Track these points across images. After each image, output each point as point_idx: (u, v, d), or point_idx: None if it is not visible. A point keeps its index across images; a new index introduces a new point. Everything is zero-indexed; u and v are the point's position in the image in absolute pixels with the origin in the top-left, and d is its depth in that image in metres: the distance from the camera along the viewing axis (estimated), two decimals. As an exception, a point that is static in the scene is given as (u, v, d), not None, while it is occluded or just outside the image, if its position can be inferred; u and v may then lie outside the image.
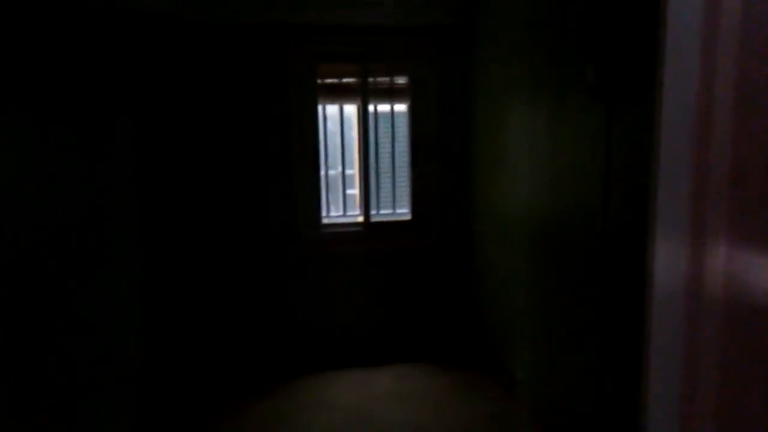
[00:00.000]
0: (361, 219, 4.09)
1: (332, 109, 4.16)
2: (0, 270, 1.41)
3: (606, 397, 2.76)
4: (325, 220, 4.03)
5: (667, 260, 1.21)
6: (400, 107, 4.21)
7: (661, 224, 1.20)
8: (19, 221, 1.59)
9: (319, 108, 3.92)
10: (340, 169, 4.60)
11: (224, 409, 3.38)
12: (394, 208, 4.30)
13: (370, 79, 3.94)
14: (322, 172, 4.00)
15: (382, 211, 4.24)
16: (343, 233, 4.04)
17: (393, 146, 4.34)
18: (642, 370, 1.25)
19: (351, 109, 4.28)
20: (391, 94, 4.06)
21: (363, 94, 3.93)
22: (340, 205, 4.48)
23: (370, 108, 4.01)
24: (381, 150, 4.17)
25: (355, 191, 4.34)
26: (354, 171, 4.37)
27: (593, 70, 2.46)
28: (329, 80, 3.93)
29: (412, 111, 4.04)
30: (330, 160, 4.18)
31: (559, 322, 3.13)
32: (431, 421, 3.22)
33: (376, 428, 3.16)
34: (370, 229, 4.07)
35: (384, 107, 4.14)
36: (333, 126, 4.20)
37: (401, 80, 4.02)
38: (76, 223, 2.14)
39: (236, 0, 3.57)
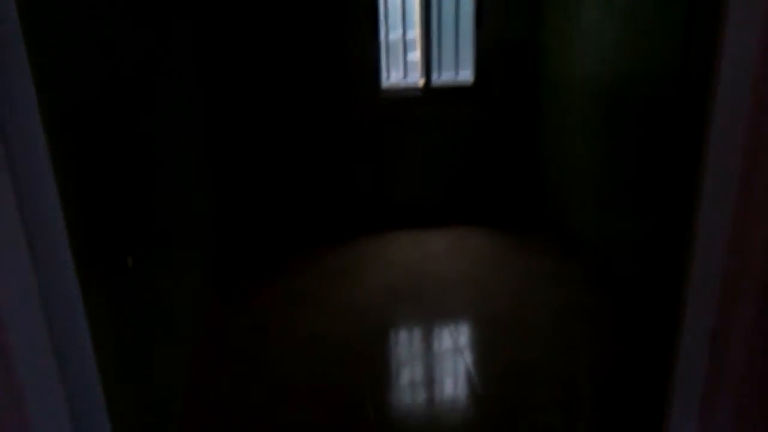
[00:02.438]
0: (421, 83, 4.03)
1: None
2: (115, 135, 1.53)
3: (660, 260, 2.80)
4: (385, 84, 4.00)
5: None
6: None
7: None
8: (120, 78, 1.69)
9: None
10: (400, 32, 4.45)
11: (288, 264, 3.66)
12: (456, 70, 4.18)
13: (432, -70, 3.68)
14: (382, 35, 3.90)
15: (444, 74, 4.14)
16: (403, 97, 4.02)
17: (457, 5, 4.13)
18: (694, 232, 1.26)
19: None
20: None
21: (424, -53, 3.70)
22: (401, 70, 4.40)
23: (432, -37, 3.78)
24: (444, 9, 3.99)
25: (416, 55, 4.22)
26: (415, 34, 4.22)
27: None
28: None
29: (477, -35, 3.78)
30: (390, 22, 4.05)
31: (622, 186, 3.11)
32: (486, 278, 3.38)
33: (433, 283, 3.36)
34: (430, 93, 4.02)
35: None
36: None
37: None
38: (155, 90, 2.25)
39: None
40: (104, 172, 1.60)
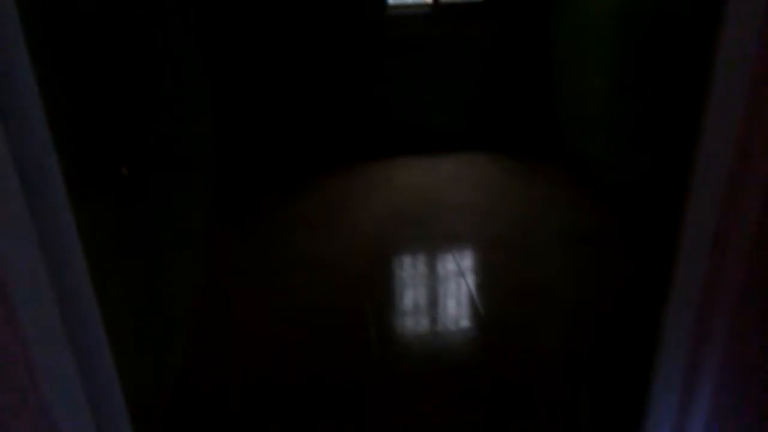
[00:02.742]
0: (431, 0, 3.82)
1: None
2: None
3: (669, 186, 2.70)
4: (392, 1, 3.79)
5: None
6: None
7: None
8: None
9: None
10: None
11: (292, 189, 3.61)
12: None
13: None
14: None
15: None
16: (411, 15, 3.82)
17: None
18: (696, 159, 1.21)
19: None
20: None
21: None
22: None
23: None
24: None
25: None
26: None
27: None
28: None
29: None
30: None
31: (634, 114, 2.97)
32: (494, 204, 3.31)
33: (440, 208, 3.30)
34: (440, 10, 3.81)
35: None
36: None
37: None
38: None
39: None
40: (99, 82, 1.53)
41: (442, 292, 2.65)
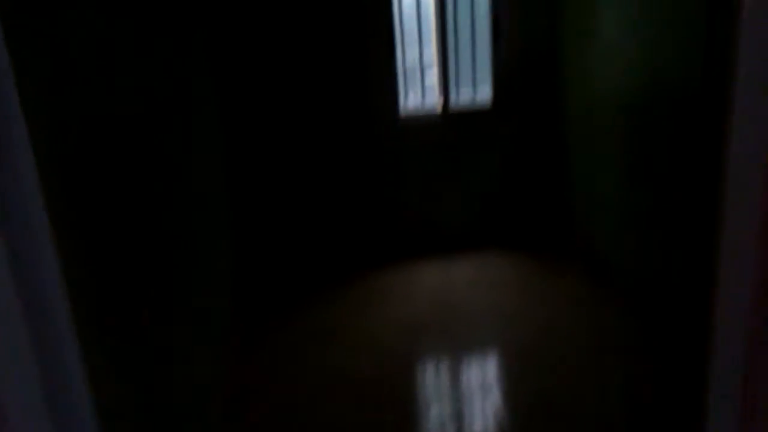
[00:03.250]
0: (439, 107, 3.95)
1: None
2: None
3: (691, 284, 2.66)
4: (403, 111, 3.92)
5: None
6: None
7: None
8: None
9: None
10: (417, 52, 4.38)
11: (309, 297, 3.62)
12: (474, 87, 4.09)
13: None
14: (399, 59, 3.83)
15: (462, 91, 4.05)
16: (422, 123, 3.95)
17: (473, 19, 4.04)
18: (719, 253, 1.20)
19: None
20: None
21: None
22: (419, 93, 4.33)
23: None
24: (460, 25, 3.91)
25: (433, 78, 4.15)
26: (432, 53, 4.15)
27: None
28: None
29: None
30: (406, 41, 3.98)
31: (651, 207, 2.97)
32: (512, 306, 3.28)
33: (457, 313, 3.27)
34: (449, 118, 3.95)
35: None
36: (409, 9, 3.95)
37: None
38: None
39: None
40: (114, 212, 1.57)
41: (465, 405, 2.58)
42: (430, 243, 4.08)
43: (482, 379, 2.73)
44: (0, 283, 0.85)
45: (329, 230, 3.97)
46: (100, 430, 1.08)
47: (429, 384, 2.77)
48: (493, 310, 3.27)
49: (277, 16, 3.54)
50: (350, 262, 4.00)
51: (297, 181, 3.84)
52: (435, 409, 2.56)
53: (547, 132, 3.96)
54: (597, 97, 3.37)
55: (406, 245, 4.06)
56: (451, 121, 3.95)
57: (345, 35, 3.63)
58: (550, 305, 3.27)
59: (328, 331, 3.20)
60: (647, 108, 2.89)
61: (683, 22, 2.53)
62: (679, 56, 2.57)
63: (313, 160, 3.82)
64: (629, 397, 2.50)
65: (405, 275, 3.78)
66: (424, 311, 3.32)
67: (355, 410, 2.56)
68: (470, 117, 3.97)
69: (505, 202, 4.07)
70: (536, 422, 2.40)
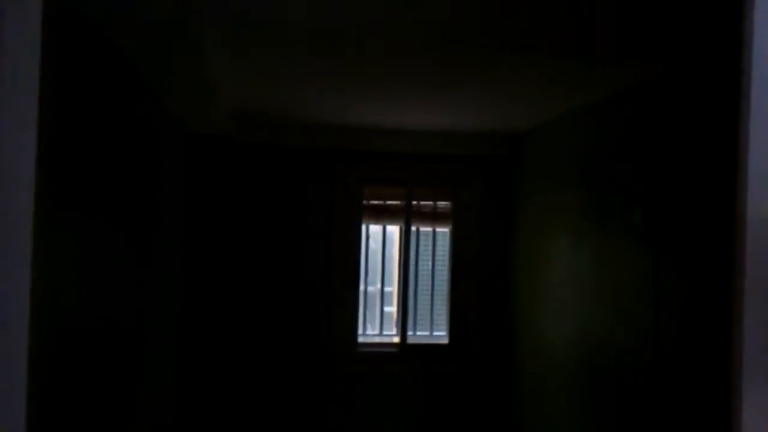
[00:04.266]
0: (397, 339, 4.02)
1: (375, 227, 4.24)
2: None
3: None
4: (361, 338, 3.96)
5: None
6: (443, 228, 4.26)
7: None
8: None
9: (363, 226, 3.99)
10: (379, 285, 4.59)
11: None
12: (431, 328, 4.23)
13: (414, 203, 4.03)
14: (361, 288, 3.99)
15: (419, 332, 4.16)
16: (380, 354, 3.97)
17: (433, 266, 4.34)
18: None
19: (394, 228, 4.35)
20: (434, 218, 4.13)
21: (406, 217, 4.01)
22: (377, 323, 4.43)
23: (413, 227, 4.06)
24: (421, 268, 4.18)
25: (392, 309, 4.30)
26: (393, 288, 4.35)
27: (641, 214, 2.46)
28: (374, 201, 4.03)
29: (454, 235, 4.07)
30: (369, 276, 4.19)
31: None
32: None
33: None
34: (406, 351, 3.99)
35: (427, 227, 4.19)
36: (375, 244, 4.25)
37: (445, 204, 4.10)
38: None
39: (291, 126, 3.77)
40: None
41: None
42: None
43: None
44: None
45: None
46: None
47: None
48: None
49: (254, 237, 3.72)
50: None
51: (253, 404, 3.64)
52: None
53: (501, 377, 4.00)
54: (549, 350, 3.50)
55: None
56: (408, 353, 3.97)
57: (314, 265, 3.81)
58: None
59: None
60: (597, 366, 3.00)
61: (632, 295, 2.78)
62: (630, 323, 2.76)
63: (268, 384, 3.69)
64: None
65: None
66: None
67: None
68: (427, 350, 4.02)
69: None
70: None
